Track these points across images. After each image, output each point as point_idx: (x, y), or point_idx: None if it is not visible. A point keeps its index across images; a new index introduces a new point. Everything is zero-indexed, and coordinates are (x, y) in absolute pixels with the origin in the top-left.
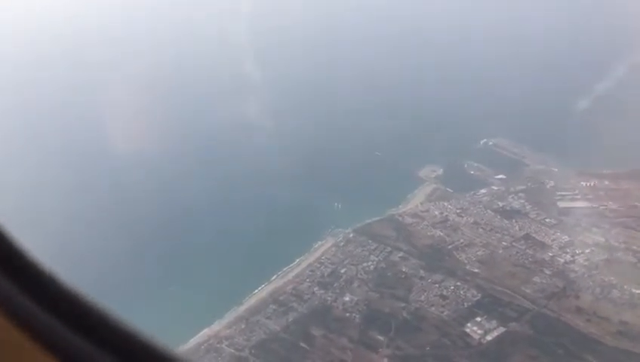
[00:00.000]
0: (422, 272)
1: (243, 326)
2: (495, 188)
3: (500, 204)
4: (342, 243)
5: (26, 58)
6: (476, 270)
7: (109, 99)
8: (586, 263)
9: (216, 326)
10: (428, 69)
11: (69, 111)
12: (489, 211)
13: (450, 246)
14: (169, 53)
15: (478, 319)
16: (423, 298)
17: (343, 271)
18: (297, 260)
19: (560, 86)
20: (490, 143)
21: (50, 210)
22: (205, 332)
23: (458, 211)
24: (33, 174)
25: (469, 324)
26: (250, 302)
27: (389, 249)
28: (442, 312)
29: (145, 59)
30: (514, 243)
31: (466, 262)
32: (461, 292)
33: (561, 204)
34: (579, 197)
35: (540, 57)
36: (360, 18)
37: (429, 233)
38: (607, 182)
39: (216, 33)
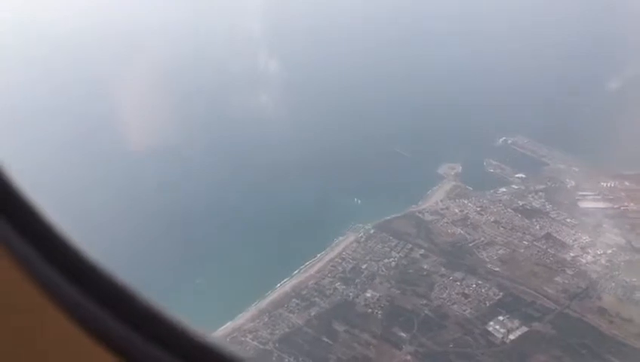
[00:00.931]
0: (443, 270)
1: (266, 320)
2: (515, 186)
3: (520, 203)
4: (363, 239)
5: (33, 55)
6: (497, 269)
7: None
8: (607, 264)
9: (240, 320)
10: (445, 66)
11: (80, 107)
12: (509, 210)
13: (470, 245)
14: (189, 45)
15: (501, 318)
16: (444, 295)
17: (364, 266)
18: (319, 255)
19: (579, 84)
20: (509, 141)
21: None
22: (229, 325)
23: (478, 209)
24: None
25: (491, 323)
26: (273, 295)
27: (409, 246)
28: (464, 310)
29: (160, 54)
30: (535, 243)
31: (487, 260)
32: (483, 290)
33: (582, 204)
34: (599, 197)
35: (559, 54)
36: (375, 11)
37: (449, 230)
38: (627, 183)
39: (231, 28)
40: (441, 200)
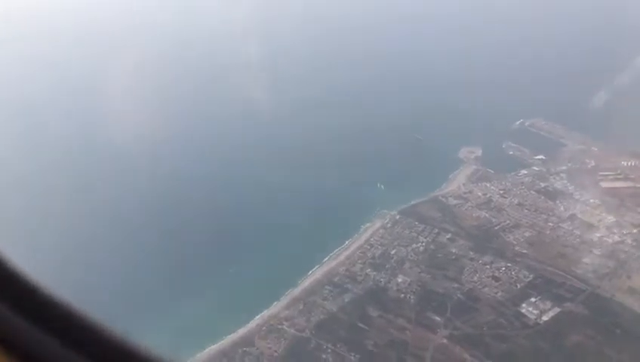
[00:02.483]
0: (471, 253)
1: (301, 308)
2: (536, 168)
3: (542, 185)
4: (389, 225)
5: (29, 53)
6: (525, 251)
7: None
8: (634, 243)
9: (275, 308)
10: (458, 52)
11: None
12: (532, 192)
13: (496, 228)
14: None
15: (533, 299)
16: (475, 279)
17: (393, 252)
18: (347, 242)
19: (593, 63)
20: (527, 124)
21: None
22: (265, 313)
23: (501, 192)
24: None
25: (524, 305)
26: (305, 283)
27: (436, 230)
28: (496, 293)
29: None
30: (560, 224)
31: (514, 243)
32: (512, 273)
33: (604, 185)
34: (621, 177)
35: (573, 36)
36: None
37: (474, 214)
38: None
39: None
40: (464, 184)
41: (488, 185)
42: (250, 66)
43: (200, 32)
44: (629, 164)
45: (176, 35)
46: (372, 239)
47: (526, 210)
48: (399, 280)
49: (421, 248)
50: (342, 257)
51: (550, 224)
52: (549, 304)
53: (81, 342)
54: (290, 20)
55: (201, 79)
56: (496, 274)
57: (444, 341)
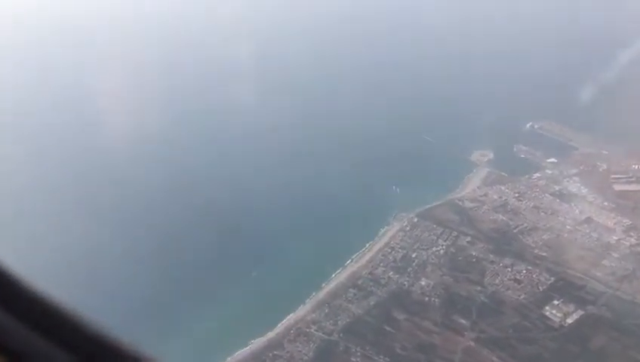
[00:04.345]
0: (492, 256)
1: (327, 311)
2: (549, 171)
3: (557, 188)
4: (408, 228)
5: (29, 54)
6: (544, 254)
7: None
8: None
9: (301, 311)
10: (465, 54)
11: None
12: (547, 195)
13: (515, 230)
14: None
15: (556, 302)
16: (497, 281)
17: (414, 255)
18: (367, 245)
19: (599, 65)
20: (536, 126)
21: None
22: (291, 316)
23: (516, 195)
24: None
25: (547, 307)
26: (329, 286)
27: (455, 233)
28: (519, 296)
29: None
30: (577, 227)
31: (533, 245)
32: (534, 276)
33: (617, 187)
34: (633, 180)
35: (578, 37)
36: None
37: (491, 217)
38: None
39: None
40: (478, 187)
41: (503, 188)
42: (256, 72)
43: (199, 32)
44: None
45: (176, 35)
46: (392, 242)
47: (542, 213)
48: (422, 283)
49: (441, 251)
50: (363, 260)
51: (567, 227)
52: (572, 306)
53: (66, 338)
54: (295, 22)
55: (208, 82)
56: (518, 277)
57: (472, 344)
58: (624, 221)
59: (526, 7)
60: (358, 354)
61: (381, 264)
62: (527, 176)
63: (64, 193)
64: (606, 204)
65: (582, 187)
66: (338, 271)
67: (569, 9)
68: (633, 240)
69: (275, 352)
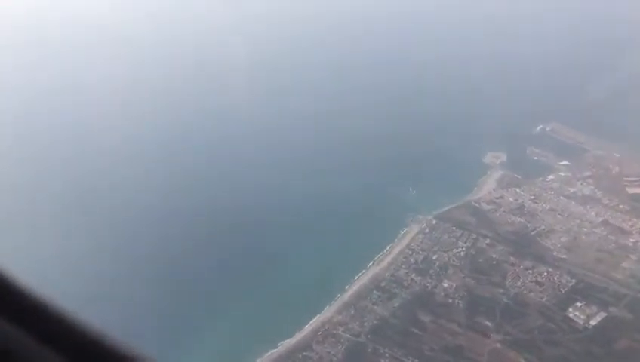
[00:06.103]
0: (512, 259)
1: (353, 313)
2: (562, 174)
3: (571, 190)
4: (427, 230)
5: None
6: (564, 256)
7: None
8: None
9: (328, 313)
10: (474, 56)
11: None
12: (562, 197)
13: (533, 233)
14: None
15: (579, 304)
16: (519, 284)
17: (434, 257)
18: (388, 247)
19: (609, 67)
20: (548, 129)
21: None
22: (318, 318)
23: (532, 198)
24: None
25: (570, 309)
26: (353, 288)
27: (474, 235)
28: (542, 298)
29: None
30: (594, 230)
31: (552, 248)
32: (554, 278)
33: (630, 190)
34: None
35: (590, 39)
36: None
37: (509, 219)
38: None
39: None
40: (494, 190)
41: (518, 190)
42: (264, 72)
43: (199, 32)
44: None
45: (175, 35)
46: (412, 244)
47: (559, 216)
48: (445, 285)
49: (462, 253)
50: (385, 262)
51: (584, 229)
52: (594, 308)
53: (57, 338)
54: (305, 23)
55: (210, 84)
56: (539, 279)
57: (498, 345)
58: (639, 224)
59: (537, 7)
60: (387, 355)
61: (403, 266)
62: (541, 179)
63: (64, 193)
64: (621, 206)
65: (596, 190)
66: (361, 272)
67: (581, 9)
68: None
69: (304, 353)
